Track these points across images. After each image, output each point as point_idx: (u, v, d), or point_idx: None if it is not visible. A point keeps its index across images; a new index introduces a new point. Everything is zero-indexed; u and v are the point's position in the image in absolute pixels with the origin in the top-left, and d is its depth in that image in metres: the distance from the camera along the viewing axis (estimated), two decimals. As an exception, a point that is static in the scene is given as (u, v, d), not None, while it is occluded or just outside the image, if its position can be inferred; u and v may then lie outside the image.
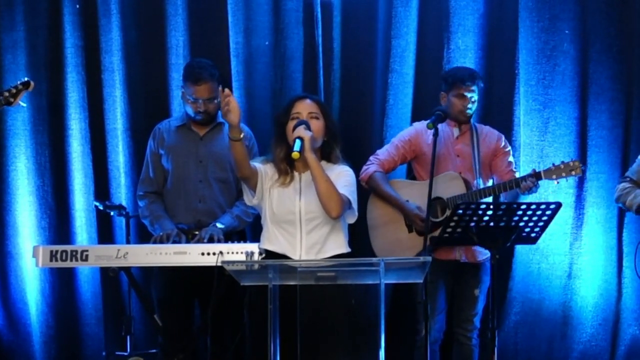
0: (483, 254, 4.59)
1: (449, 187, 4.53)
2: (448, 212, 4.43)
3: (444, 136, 4.65)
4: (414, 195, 4.61)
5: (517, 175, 4.65)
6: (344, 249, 3.97)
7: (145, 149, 4.80)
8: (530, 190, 4.46)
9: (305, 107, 3.97)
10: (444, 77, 4.75)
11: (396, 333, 4.80)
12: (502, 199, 4.65)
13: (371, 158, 4.73)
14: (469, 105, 4.63)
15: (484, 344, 4.69)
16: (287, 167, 3.98)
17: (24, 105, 4.39)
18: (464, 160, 4.66)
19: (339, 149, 4.04)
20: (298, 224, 3.91)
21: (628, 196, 4.51)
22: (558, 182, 4.48)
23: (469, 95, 4.61)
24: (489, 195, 4.53)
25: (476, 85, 4.63)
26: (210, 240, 4.34)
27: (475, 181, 4.62)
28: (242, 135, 3.85)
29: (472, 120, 4.73)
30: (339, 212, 3.86)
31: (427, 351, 4.26)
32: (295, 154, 3.78)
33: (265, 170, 3.99)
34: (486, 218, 4.04)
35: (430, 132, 4.43)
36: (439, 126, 4.43)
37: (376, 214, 4.70)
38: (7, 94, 4.28)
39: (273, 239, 3.95)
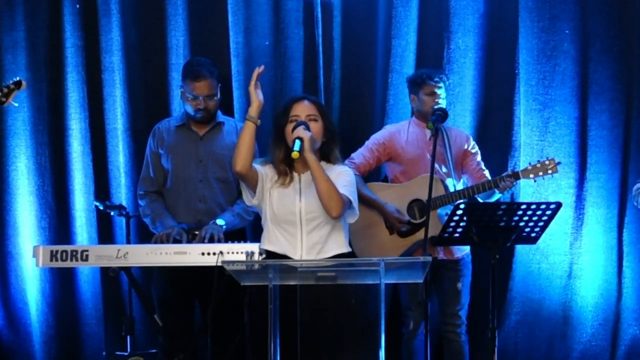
0: (461, 250, 4.65)
1: (427, 189, 4.53)
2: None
3: (416, 138, 4.73)
4: (391, 197, 4.66)
5: (487, 174, 4.72)
6: (345, 248, 3.98)
7: (145, 148, 4.80)
8: (508, 190, 4.53)
9: (303, 110, 3.97)
10: (411, 79, 4.82)
11: (396, 333, 4.80)
12: (477, 198, 4.66)
13: (346, 162, 4.67)
14: (440, 101, 4.67)
15: (477, 340, 4.72)
16: (287, 168, 3.98)
17: (16, 105, 4.39)
18: (438, 161, 4.66)
19: (338, 150, 4.04)
20: (298, 224, 3.91)
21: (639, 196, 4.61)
22: (535, 181, 4.55)
23: (438, 91, 4.68)
24: (468, 196, 4.56)
25: (443, 82, 4.71)
26: (211, 239, 4.34)
27: (449, 181, 4.66)
28: (259, 121, 3.86)
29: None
30: (339, 211, 3.86)
31: (428, 350, 4.26)
32: (294, 154, 3.79)
33: (265, 171, 3.99)
34: (486, 218, 4.05)
35: (405, 132, 4.60)
36: (408, 127, 4.67)
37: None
38: None
39: (274, 240, 3.95)
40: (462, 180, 4.78)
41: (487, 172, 4.76)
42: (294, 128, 3.88)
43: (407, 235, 4.56)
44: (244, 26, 5.22)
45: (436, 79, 4.68)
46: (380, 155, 4.76)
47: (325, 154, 4.01)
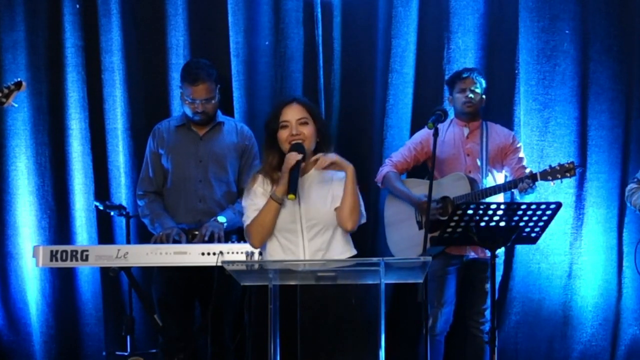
0: None
1: (455, 187, 4.65)
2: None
3: (454, 137, 4.80)
4: (425, 192, 4.65)
5: (527, 170, 4.71)
6: (350, 252, 3.86)
7: (145, 148, 4.80)
8: (526, 191, 4.56)
9: (293, 114, 3.81)
10: (446, 81, 4.91)
11: (396, 333, 4.80)
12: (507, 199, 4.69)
13: (386, 160, 4.91)
14: (471, 96, 4.72)
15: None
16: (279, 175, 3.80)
17: (16, 105, 4.37)
18: (474, 159, 4.74)
19: (332, 149, 3.95)
20: (300, 232, 3.82)
21: (633, 197, 4.65)
22: (554, 184, 4.58)
23: (470, 87, 4.74)
24: (491, 195, 4.59)
25: (475, 79, 4.76)
26: (211, 237, 4.33)
27: (481, 179, 4.67)
28: (285, 201, 3.74)
29: (482, 119, 4.81)
30: (354, 226, 3.80)
31: (428, 348, 4.27)
32: (291, 196, 3.67)
33: (261, 191, 3.84)
34: (486, 218, 4.05)
35: (443, 132, 4.64)
36: (449, 127, 4.72)
37: (391, 212, 4.89)
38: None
39: (274, 252, 3.82)
40: (489, 176, 4.77)
41: (527, 170, 4.72)
42: (289, 150, 3.76)
43: (433, 230, 4.52)
44: (244, 26, 5.22)
45: (465, 75, 4.76)
46: (418, 155, 4.83)
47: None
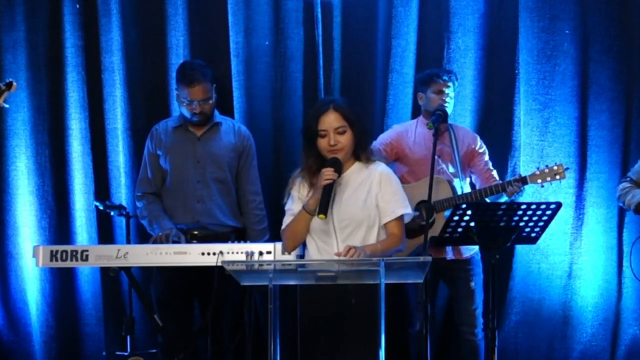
0: (469, 249, 4.66)
1: (435, 190, 4.52)
2: (435, 215, 4.51)
3: (423, 138, 4.72)
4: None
5: (494, 174, 4.75)
6: None
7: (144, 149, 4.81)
8: (516, 194, 4.54)
9: (331, 123, 3.89)
10: (419, 78, 4.84)
11: (396, 332, 4.79)
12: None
13: None
14: (447, 100, 4.68)
15: (488, 337, 4.71)
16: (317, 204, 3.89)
17: (7, 106, 4.35)
18: (445, 162, 4.67)
19: (370, 148, 4.06)
20: (333, 233, 3.90)
21: (627, 196, 4.59)
22: (543, 186, 4.59)
23: (446, 90, 4.68)
24: (476, 199, 4.56)
25: (452, 82, 4.71)
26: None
27: (457, 182, 4.66)
28: (320, 216, 3.82)
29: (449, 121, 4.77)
30: (403, 243, 3.96)
31: (428, 349, 4.26)
32: (321, 216, 3.80)
33: (299, 195, 3.97)
34: (486, 218, 4.04)
35: (412, 132, 4.59)
36: (416, 127, 4.66)
37: None
38: None
39: (313, 254, 3.94)
40: (468, 180, 4.78)
41: (494, 172, 4.78)
42: (326, 165, 3.87)
43: (414, 236, 4.54)
44: (244, 26, 5.22)
45: (445, 78, 4.69)
46: (388, 155, 4.74)
47: (357, 155, 3.99)
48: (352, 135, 3.93)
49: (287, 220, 3.97)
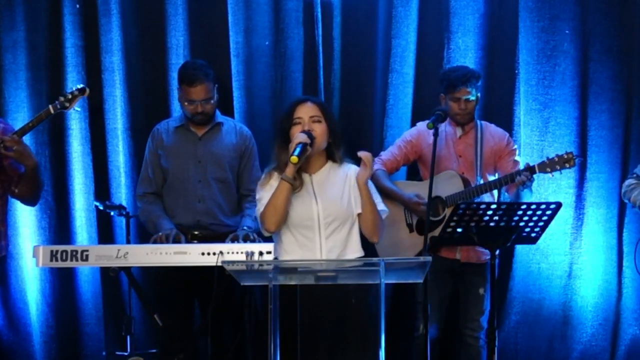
0: (486, 254, 4.58)
1: (447, 185, 4.56)
2: (447, 210, 4.46)
3: (446, 137, 4.70)
4: (417, 191, 4.63)
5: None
6: (360, 252, 3.97)
7: (145, 148, 4.80)
8: (524, 184, 4.40)
9: (306, 112, 3.92)
10: (441, 79, 4.75)
11: (395, 332, 4.80)
12: (505, 198, 4.65)
13: (375, 159, 4.69)
14: (464, 107, 4.63)
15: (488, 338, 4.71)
16: (295, 172, 3.88)
17: (78, 110, 4.63)
18: (466, 161, 4.67)
19: (342, 149, 4.02)
20: (317, 228, 3.88)
21: (633, 192, 4.59)
22: (552, 175, 4.44)
23: (464, 97, 4.62)
24: (486, 192, 4.54)
25: (472, 87, 4.62)
26: (246, 238, 4.34)
27: (475, 181, 4.62)
28: (297, 182, 3.82)
29: (477, 119, 4.75)
30: (380, 236, 3.91)
31: (427, 350, 4.25)
32: (293, 158, 3.75)
33: (275, 185, 3.90)
34: (486, 218, 4.04)
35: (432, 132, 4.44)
36: (442, 126, 4.53)
37: None
38: (62, 99, 4.48)
39: (290, 249, 3.90)
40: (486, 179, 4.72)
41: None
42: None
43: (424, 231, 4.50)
44: (244, 26, 5.22)
45: (461, 87, 4.58)
46: (407, 153, 4.74)
47: (330, 154, 4.00)
48: (326, 128, 3.92)
49: (260, 208, 3.90)
